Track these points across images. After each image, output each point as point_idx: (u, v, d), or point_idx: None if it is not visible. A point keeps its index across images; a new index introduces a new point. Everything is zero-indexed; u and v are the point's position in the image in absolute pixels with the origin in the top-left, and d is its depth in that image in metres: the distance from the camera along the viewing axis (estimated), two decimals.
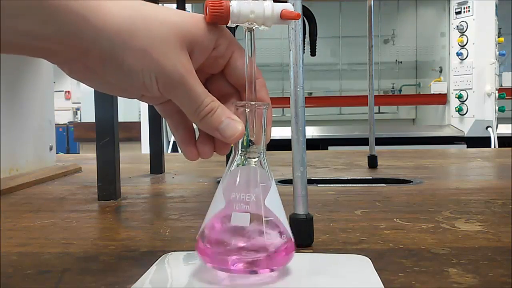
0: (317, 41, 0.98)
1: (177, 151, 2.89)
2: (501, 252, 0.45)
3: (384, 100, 3.99)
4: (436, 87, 3.60)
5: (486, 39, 3.22)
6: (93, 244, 0.51)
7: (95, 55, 0.30)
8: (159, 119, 1.09)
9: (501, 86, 3.43)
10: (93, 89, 0.40)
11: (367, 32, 1.14)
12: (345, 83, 4.33)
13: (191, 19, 0.33)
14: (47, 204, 0.75)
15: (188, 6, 2.99)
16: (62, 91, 5.55)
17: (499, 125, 3.27)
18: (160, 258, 0.40)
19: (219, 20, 0.33)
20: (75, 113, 5.57)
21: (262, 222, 0.33)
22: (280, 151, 1.57)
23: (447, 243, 0.48)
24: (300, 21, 0.46)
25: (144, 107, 2.71)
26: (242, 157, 0.35)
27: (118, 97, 0.46)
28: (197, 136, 0.37)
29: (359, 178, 1.04)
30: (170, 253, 0.41)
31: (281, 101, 3.33)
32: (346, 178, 1.03)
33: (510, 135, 3.14)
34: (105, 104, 0.75)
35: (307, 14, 0.95)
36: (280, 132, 1.99)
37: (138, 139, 3.23)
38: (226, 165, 0.36)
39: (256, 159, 0.35)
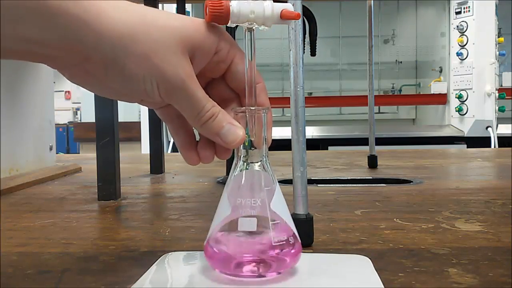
0: (317, 41, 0.97)
1: (177, 151, 2.89)
2: (501, 252, 0.45)
3: (384, 100, 3.99)
4: (436, 87, 3.61)
5: (486, 39, 3.22)
6: (93, 244, 0.51)
7: (96, 61, 0.30)
8: (159, 119, 1.08)
9: (501, 86, 3.44)
10: None
11: (367, 32, 1.14)
12: (345, 83, 4.34)
13: (192, 23, 0.32)
14: (47, 204, 0.75)
15: (188, 6, 2.99)
16: (62, 91, 5.55)
17: (499, 125, 3.27)
18: (160, 258, 0.40)
19: (219, 20, 0.32)
20: (75, 113, 5.56)
21: (269, 226, 0.33)
22: (280, 151, 1.56)
23: (447, 243, 0.48)
24: (300, 21, 0.46)
25: (144, 107, 2.70)
26: (245, 162, 0.35)
27: None
28: (197, 138, 0.37)
29: (359, 178, 1.04)
30: (170, 253, 0.41)
31: (281, 101, 3.33)
32: (346, 178, 1.03)
33: (510, 135, 3.15)
34: (105, 104, 0.75)
35: (307, 14, 0.95)
36: (280, 132, 1.99)
37: (138, 139, 3.23)
38: (226, 165, 0.36)
39: (259, 163, 0.35)
